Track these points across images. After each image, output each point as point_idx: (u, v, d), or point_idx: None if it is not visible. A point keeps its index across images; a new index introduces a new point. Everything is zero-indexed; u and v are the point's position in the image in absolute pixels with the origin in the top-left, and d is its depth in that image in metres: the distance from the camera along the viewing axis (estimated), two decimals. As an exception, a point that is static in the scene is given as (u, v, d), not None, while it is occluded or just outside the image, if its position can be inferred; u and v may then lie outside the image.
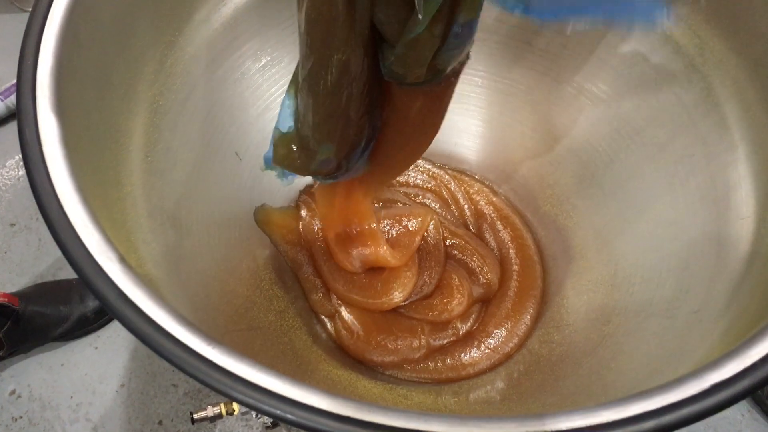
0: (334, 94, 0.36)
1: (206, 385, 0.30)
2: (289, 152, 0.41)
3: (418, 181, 0.74)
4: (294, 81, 0.39)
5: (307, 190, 0.70)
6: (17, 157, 1.11)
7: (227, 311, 0.51)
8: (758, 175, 0.49)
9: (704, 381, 0.30)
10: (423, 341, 0.63)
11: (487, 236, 0.72)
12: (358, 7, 0.33)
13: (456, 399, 0.56)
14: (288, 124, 0.40)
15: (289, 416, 0.29)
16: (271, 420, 0.66)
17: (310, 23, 0.34)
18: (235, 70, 0.60)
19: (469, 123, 0.72)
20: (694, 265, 0.51)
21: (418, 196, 0.73)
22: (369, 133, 0.41)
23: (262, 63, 0.62)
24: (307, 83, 0.37)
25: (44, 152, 0.36)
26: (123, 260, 0.33)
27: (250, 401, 0.29)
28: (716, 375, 0.31)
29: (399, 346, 0.62)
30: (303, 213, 0.68)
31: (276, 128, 0.41)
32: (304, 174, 0.43)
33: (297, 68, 0.38)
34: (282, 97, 0.65)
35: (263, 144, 0.65)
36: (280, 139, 0.41)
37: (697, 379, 0.31)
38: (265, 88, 0.63)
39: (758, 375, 0.31)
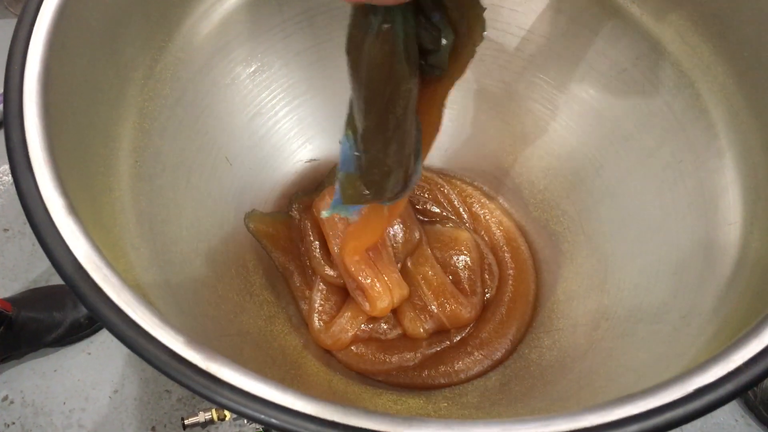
0: (402, 125, 0.39)
1: (191, 389, 0.30)
2: (358, 190, 0.43)
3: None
4: (351, 123, 0.41)
5: (299, 198, 0.70)
6: (11, 163, 1.11)
7: (217, 317, 0.51)
8: (745, 180, 0.49)
9: (688, 385, 0.31)
10: (419, 353, 0.63)
11: (485, 239, 0.72)
12: (411, 51, 0.36)
13: (447, 404, 0.57)
14: (351, 164, 0.42)
15: (273, 420, 0.29)
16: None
17: (375, 81, 0.36)
18: (226, 75, 0.60)
19: (461, 129, 0.73)
20: (683, 270, 0.51)
21: (413, 198, 0.73)
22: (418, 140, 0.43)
23: (253, 69, 0.62)
24: (373, 125, 0.38)
25: (30, 158, 0.36)
26: (110, 266, 0.33)
27: (235, 406, 0.30)
28: (700, 379, 0.31)
29: (394, 359, 0.62)
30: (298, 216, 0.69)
31: (340, 171, 0.43)
32: (378, 202, 0.45)
33: (351, 111, 0.40)
34: (273, 103, 0.66)
35: (253, 149, 0.65)
36: (348, 180, 0.42)
37: (681, 383, 0.31)
38: (256, 93, 0.63)
39: (742, 379, 0.31)
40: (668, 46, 0.55)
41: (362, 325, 0.63)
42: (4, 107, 0.37)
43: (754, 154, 0.49)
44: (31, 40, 0.39)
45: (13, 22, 1.26)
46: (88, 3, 0.43)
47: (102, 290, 0.32)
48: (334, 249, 0.63)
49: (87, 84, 0.44)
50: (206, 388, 0.30)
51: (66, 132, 0.40)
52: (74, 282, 0.32)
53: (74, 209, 0.35)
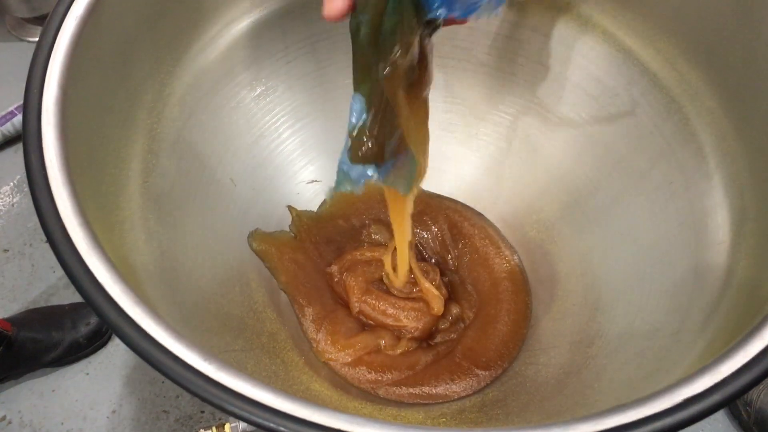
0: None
1: (202, 398, 0.31)
2: (365, 143, 0.43)
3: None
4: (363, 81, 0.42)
5: (296, 221, 0.72)
6: (11, 184, 1.12)
7: (221, 332, 0.52)
8: (733, 202, 0.51)
9: (677, 395, 0.32)
10: (417, 368, 0.64)
11: (465, 258, 0.74)
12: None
13: (445, 419, 0.57)
14: (359, 121, 0.42)
15: (281, 429, 0.30)
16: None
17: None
18: (231, 98, 0.62)
19: (457, 151, 0.74)
20: (674, 289, 0.52)
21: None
22: None
23: (257, 92, 0.64)
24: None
25: (48, 177, 0.37)
26: (123, 280, 0.35)
27: (245, 414, 0.31)
28: (688, 389, 0.32)
29: (392, 375, 0.63)
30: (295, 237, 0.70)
31: (351, 125, 0.43)
32: (380, 161, 0.44)
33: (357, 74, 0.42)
34: (276, 125, 0.67)
35: (257, 170, 0.66)
36: (359, 132, 0.43)
37: (670, 393, 0.32)
38: (260, 116, 0.65)
39: (728, 389, 0.32)
40: (658, 73, 0.57)
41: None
42: (24, 128, 0.38)
43: (741, 177, 0.51)
44: (49, 64, 0.40)
45: (17, 45, 1.29)
46: (102, 29, 0.44)
47: (118, 304, 0.33)
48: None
49: (99, 107, 0.46)
50: (217, 398, 0.31)
51: (79, 153, 0.41)
52: (90, 296, 0.34)
53: (89, 226, 0.36)
